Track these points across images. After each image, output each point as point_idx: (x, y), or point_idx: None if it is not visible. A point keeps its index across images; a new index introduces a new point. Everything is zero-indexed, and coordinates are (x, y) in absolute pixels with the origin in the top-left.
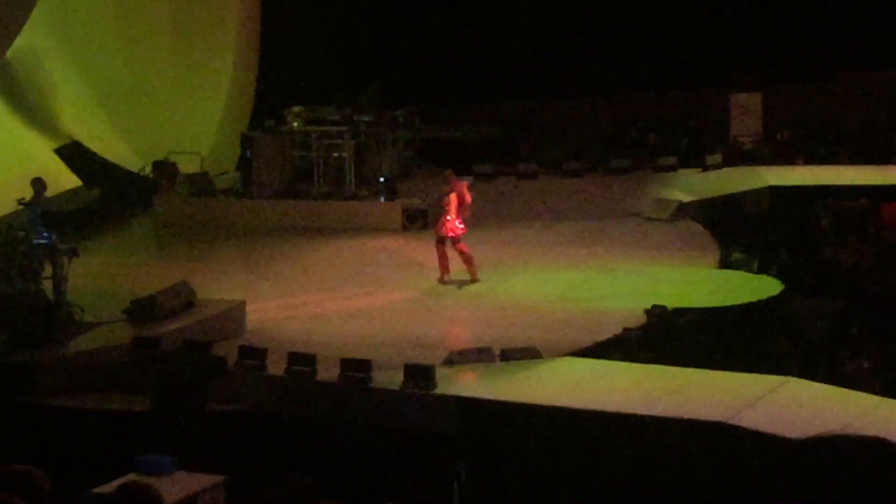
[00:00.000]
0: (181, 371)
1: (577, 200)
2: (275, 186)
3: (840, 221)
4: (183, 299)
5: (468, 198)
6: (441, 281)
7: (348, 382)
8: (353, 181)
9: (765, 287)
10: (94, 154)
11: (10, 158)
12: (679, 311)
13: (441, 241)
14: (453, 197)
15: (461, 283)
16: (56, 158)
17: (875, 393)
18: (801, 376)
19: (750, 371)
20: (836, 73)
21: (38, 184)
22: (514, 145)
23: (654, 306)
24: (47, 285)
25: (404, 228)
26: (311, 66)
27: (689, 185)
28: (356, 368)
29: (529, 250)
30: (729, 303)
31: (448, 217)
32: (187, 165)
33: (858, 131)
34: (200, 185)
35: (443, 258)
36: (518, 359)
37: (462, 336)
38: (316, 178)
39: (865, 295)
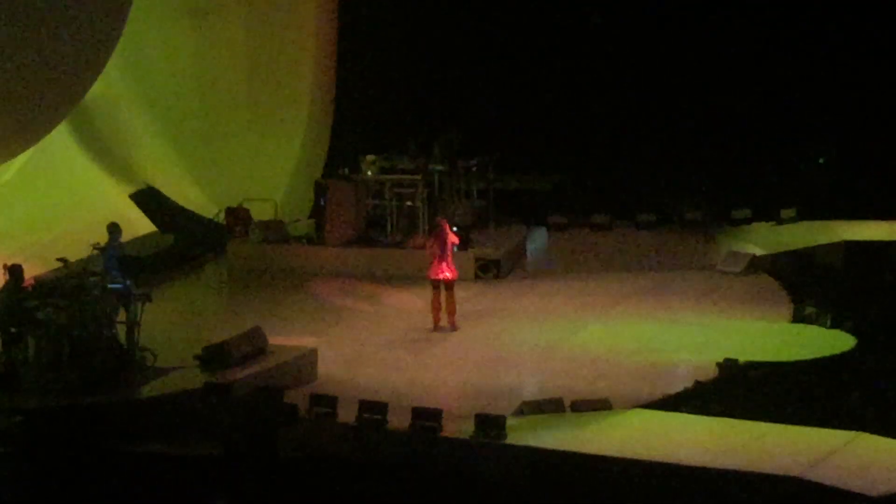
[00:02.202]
0: (252, 418)
1: (650, 252)
2: (348, 234)
3: None
4: (255, 346)
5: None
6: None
7: (419, 431)
8: (426, 230)
9: (838, 342)
10: (169, 200)
11: (86, 204)
12: (751, 365)
13: (449, 287)
14: (452, 240)
15: (536, 334)
16: (131, 204)
17: None
18: (873, 432)
19: (822, 426)
20: None
21: (114, 229)
22: (588, 196)
23: (726, 359)
24: (121, 330)
25: (477, 278)
26: (386, 115)
27: (762, 239)
28: (427, 417)
29: (602, 301)
30: (801, 357)
31: (447, 262)
32: (261, 212)
33: None
34: (274, 231)
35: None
36: (589, 410)
37: (533, 386)
38: (389, 226)
39: None
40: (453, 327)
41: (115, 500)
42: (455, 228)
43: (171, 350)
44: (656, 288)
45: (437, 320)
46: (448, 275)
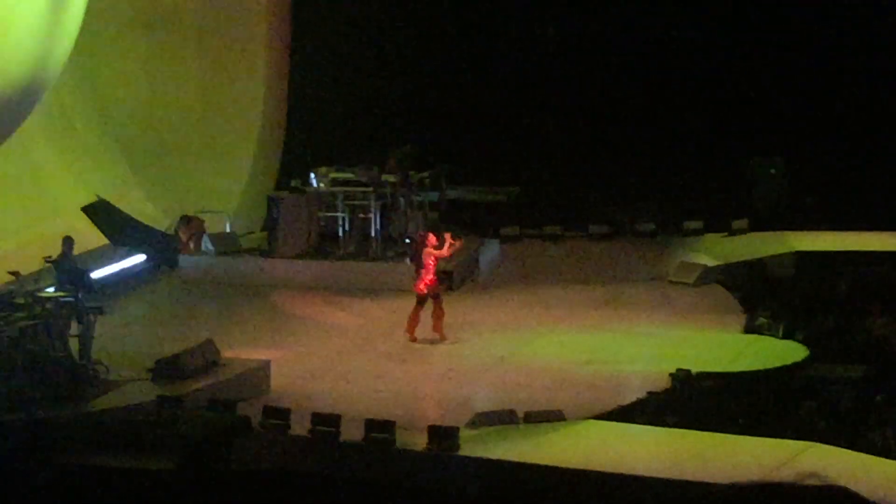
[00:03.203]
0: (205, 430)
1: (602, 263)
2: (300, 247)
3: (865, 287)
4: (208, 358)
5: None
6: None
7: (372, 443)
8: (379, 242)
9: (790, 352)
10: (121, 212)
11: (37, 216)
12: (703, 376)
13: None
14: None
15: (488, 346)
16: (83, 216)
17: None
18: (825, 442)
19: (774, 436)
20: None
21: (67, 242)
22: (541, 207)
23: (679, 370)
24: (73, 343)
25: None
26: (339, 127)
27: (714, 250)
28: (380, 429)
29: (554, 313)
30: (753, 368)
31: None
32: (213, 225)
33: (886, 196)
34: (226, 244)
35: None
36: (542, 421)
37: (486, 398)
38: (341, 238)
39: (890, 361)
40: (440, 337)
41: None
42: (407, 240)
43: (124, 363)
44: (609, 299)
45: (411, 333)
46: (422, 287)
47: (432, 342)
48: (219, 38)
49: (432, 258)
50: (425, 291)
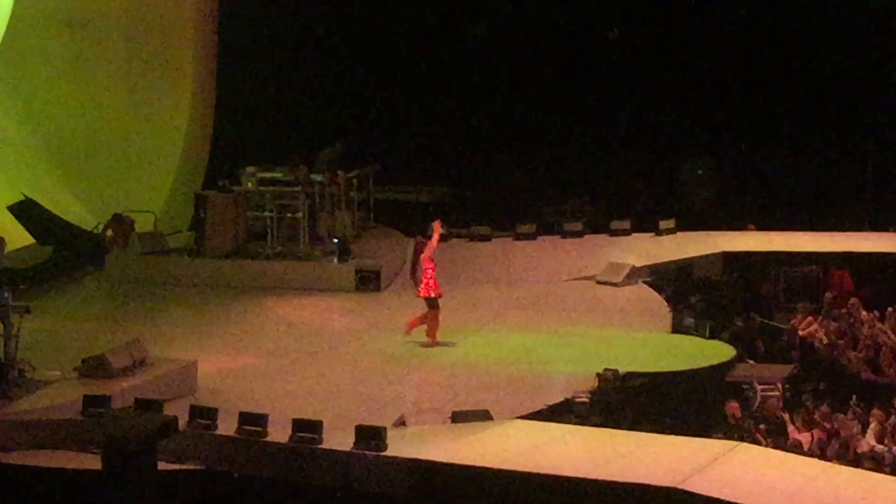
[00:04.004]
0: (132, 430)
1: (529, 263)
2: (228, 246)
3: (791, 287)
4: (135, 358)
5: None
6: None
7: (299, 443)
8: (307, 242)
9: (716, 352)
10: (48, 211)
11: None
12: (630, 375)
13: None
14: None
15: (415, 346)
16: (9, 216)
17: (823, 459)
18: (751, 442)
19: (700, 436)
20: (789, 138)
21: None
22: (468, 207)
23: (606, 370)
24: None
25: (357, 289)
26: (267, 127)
27: (642, 250)
28: (307, 429)
29: (481, 313)
30: (680, 367)
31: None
32: (140, 224)
33: (811, 197)
34: (153, 243)
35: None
36: (469, 421)
37: (414, 398)
38: (269, 238)
39: (816, 361)
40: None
41: None
42: (335, 240)
43: (50, 362)
44: (536, 299)
45: (409, 329)
46: (422, 293)
47: (359, 342)
48: (146, 38)
49: (428, 261)
50: (433, 294)
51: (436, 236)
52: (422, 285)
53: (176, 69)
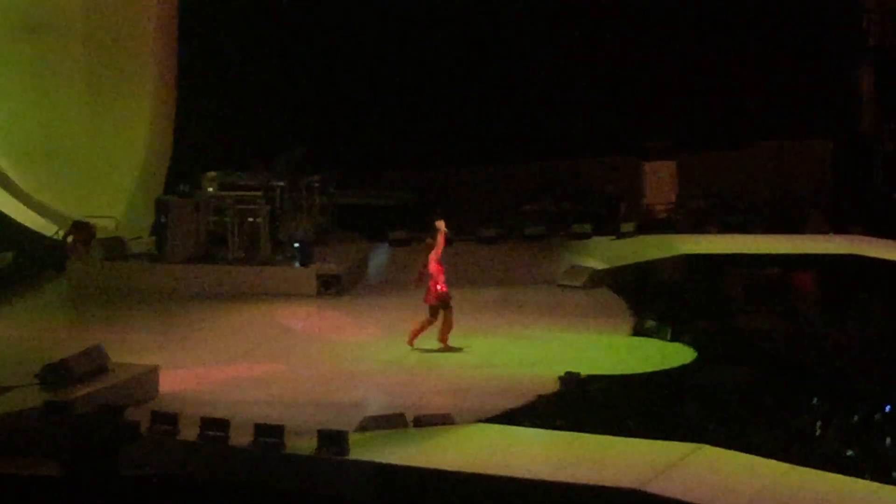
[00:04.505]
0: (93, 436)
1: (492, 267)
2: (189, 251)
3: (752, 290)
4: (96, 364)
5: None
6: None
7: (261, 448)
8: (268, 246)
9: (678, 354)
10: (7, 217)
11: None
12: (592, 378)
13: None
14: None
15: (376, 350)
16: None
17: (785, 461)
18: (713, 444)
19: (663, 438)
20: (749, 142)
21: None
22: (429, 212)
23: (568, 373)
24: None
25: (319, 294)
26: (227, 132)
27: (603, 253)
28: (269, 434)
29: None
30: (642, 370)
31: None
32: (101, 230)
33: (771, 200)
34: (114, 249)
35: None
36: (431, 425)
37: (376, 402)
38: (230, 243)
39: (778, 363)
40: (444, 344)
41: None
42: (296, 244)
43: (10, 368)
44: (498, 302)
45: (412, 339)
46: (428, 298)
47: (321, 347)
48: (106, 44)
49: (434, 263)
50: (438, 301)
51: (440, 237)
52: (428, 293)
53: (136, 75)
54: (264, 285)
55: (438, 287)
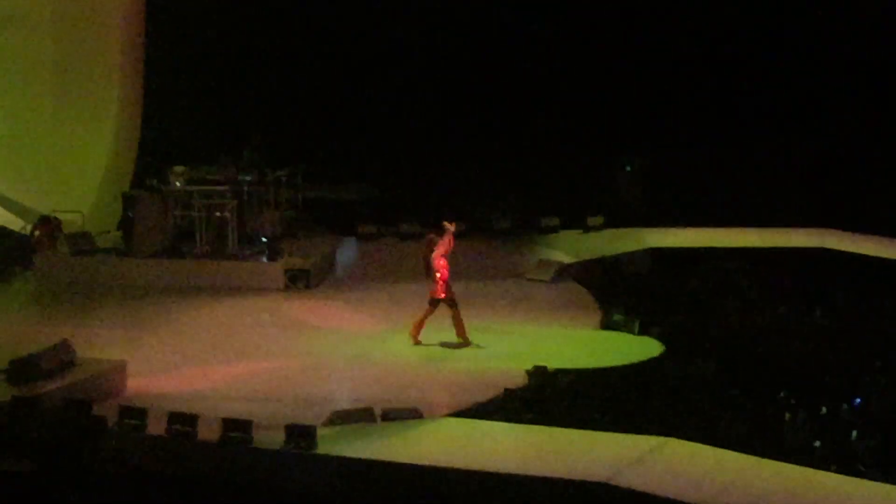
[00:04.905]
0: (61, 431)
1: (459, 261)
2: (156, 246)
3: (719, 284)
4: (63, 359)
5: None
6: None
7: (229, 442)
8: (236, 241)
9: (645, 348)
10: None
11: None
12: (560, 372)
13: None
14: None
15: (345, 345)
16: None
17: (753, 453)
18: (680, 437)
19: (631, 432)
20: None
21: None
22: (397, 205)
23: (536, 367)
24: None
25: (286, 288)
26: (195, 126)
27: (571, 247)
28: (237, 428)
29: (412, 310)
30: (610, 364)
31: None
32: (68, 224)
33: (738, 195)
34: (81, 244)
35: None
36: (399, 419)
37: (344, 396)
38: (198, 237)
39: (745, 357)
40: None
41: None
42: (264, 239)
43: None
44: (466, 296)
45: (460, 335)
46: (434, 292)
47: (289, 341)
48: (73, 37)
49: (440, 259)
50: (445, 295)
51: (449, 237)
52: (437, 287)
53: (104, 69)
54: (232, 280)
55: (444, 282)
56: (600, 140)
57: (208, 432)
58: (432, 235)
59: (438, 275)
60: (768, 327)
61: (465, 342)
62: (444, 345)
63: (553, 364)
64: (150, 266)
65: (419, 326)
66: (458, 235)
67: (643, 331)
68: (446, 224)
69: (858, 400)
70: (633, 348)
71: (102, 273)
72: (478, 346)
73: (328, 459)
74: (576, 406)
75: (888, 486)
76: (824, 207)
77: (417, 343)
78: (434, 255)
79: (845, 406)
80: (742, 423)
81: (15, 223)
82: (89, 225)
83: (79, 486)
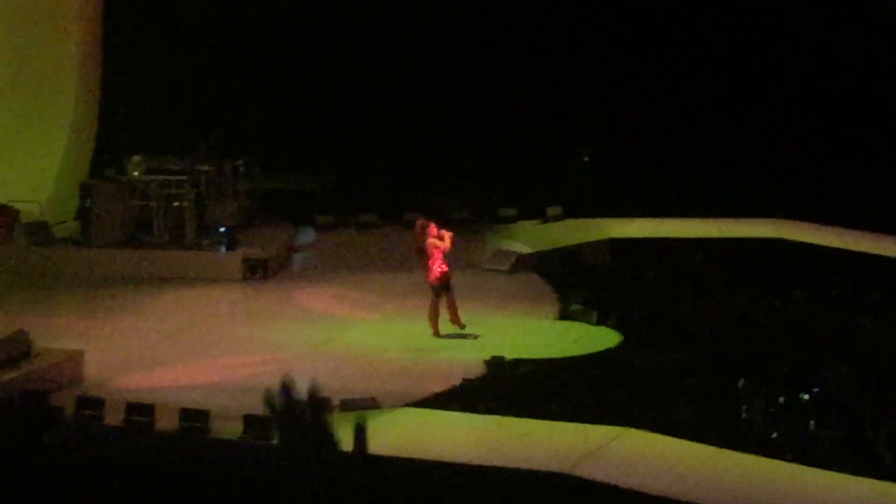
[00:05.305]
0: (16, 421)
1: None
2: (114, 236)
3: (677, 274)
4: (19, 349)
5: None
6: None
7: (187, 433)
8: (194, 231)
9: (603, 338)
10: None
11: None
12: (518, 362)
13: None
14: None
15: (302, 335)
16: None
17: (711, 444)
18: (639, 427)
19: (589, 422)
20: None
21: None
22: (355, 196)
23: (494, 357)
24: None
25: (245, 279)
26: (153, 116)
27: (528, 237)
28: (195, 418)
29: (369, 301)
30: (568, 354)
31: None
32: (26, 214)
33: (697, 185)
34: (38, 234)
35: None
36: (357, 409)
37: (302, 386)
38: (156, 227)
39: (703, 346)
40: (459, 326)
41: None
42: (222, 229)
43: None
44: (423, 286)
45: (434, 327)
46: (436, 279)
47: (247, 331)
48: (30, 22)
49: (437, 249)
50: (440, 282)
51: (447, 242)
52: (430, 273)
53: (61, 57)
54: (190, 270)
55: (438, 267)
56: (558, 130)
57: (166, 422)
58: (422, 221)
59: (431, 261)
60: (726, 317)
61: (436, 331)
62: (405, 334)
63: (511, 354)
64: (107, 256)
65: (434, 317)
66: (412, 226)
67: (601, 321)
68: (444, 232)
69: (816, 390)
70: (591, 338)
71: (60, 263)
72: (446, 336)
73: (285, 450)
74: (534, 396)
75: (845, 476)
76: (781, 198)
77: (437, 334)
78: (431, 241)
79: (802, 396)
80: (700, 413)
81: None
82: (47, 215)
83: (34, 478)
